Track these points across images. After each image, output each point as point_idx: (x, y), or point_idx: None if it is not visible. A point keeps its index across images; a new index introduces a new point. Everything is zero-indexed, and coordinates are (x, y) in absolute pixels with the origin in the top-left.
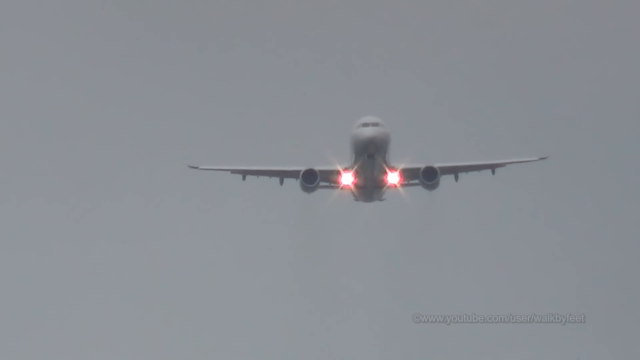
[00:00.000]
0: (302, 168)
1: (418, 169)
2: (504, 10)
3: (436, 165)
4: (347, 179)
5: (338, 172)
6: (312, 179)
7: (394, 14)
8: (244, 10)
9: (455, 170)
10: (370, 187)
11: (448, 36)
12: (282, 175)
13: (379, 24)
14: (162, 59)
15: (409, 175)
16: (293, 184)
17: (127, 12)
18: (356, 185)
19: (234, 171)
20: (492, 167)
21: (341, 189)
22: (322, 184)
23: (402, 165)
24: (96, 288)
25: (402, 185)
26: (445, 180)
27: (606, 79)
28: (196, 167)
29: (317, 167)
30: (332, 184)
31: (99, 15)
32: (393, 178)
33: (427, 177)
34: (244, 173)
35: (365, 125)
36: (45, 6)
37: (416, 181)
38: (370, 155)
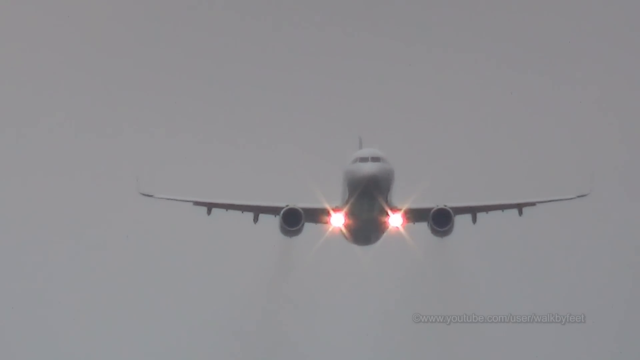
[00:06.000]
0: (283, 205)
1: (427, 210)
2: (529, 37)
3: (450, 206)
4: (338, 220)
5: (327, 212)
6: (294, 221)
7: (404, 37)
8: (224, 34)
9: (473, 211)
10: (366, 231)
11: (469, 59)
12: (257, 211)
13: (386, 45)
14: (133, 81)
15: (415, 217)
16: (270, 221)
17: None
18: (349, 227)
19: (197, 203)
20: (519, 207)
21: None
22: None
23: (407, 205)
24: (39, 326)
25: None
26: (461, 220)
27: None
28: (150, 196)
29: (301, 205)
30: (319, 224)
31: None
32: (395, 220)
33: (437, 222)
34: (210, 206)
35: (364, 160)
36: None
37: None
38: (367, 195)
